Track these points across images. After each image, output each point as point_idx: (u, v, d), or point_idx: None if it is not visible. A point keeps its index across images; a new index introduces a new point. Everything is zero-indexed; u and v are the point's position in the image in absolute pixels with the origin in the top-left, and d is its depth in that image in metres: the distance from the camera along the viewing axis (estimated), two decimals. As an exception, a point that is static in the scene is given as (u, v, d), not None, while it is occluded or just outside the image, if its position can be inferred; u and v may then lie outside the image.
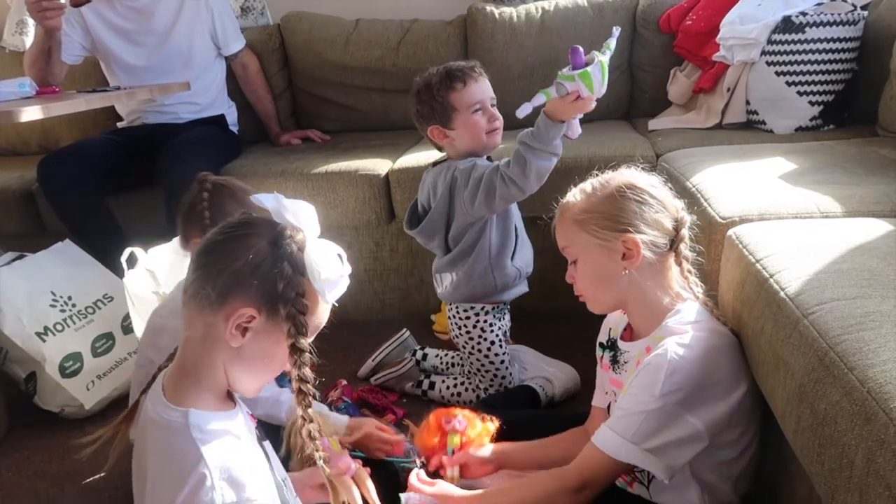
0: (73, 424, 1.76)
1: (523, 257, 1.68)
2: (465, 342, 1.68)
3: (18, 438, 1.74)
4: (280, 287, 0.79)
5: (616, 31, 1.39)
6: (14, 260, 1.86)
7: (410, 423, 1.60)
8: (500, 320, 1.68)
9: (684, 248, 1.08)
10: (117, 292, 1.88)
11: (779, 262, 1.02)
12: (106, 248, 2.02)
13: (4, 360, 1.77)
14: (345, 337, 2.10)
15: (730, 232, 1.22)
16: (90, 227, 2.11)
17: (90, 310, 1.87)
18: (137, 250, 1.62)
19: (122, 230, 2.16)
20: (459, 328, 1.68)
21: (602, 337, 1.22)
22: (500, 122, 1.58)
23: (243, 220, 0.84)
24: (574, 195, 1.13)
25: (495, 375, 1.66)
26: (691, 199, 1.43)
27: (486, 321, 1.65)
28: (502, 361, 1.67)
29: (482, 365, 1.67)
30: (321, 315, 0.85)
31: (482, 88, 1.57)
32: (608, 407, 1.19)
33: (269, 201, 0.82)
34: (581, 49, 1.34)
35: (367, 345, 2.04)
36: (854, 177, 1.45)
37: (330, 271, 0.80)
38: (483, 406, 1.52)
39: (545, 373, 1.69)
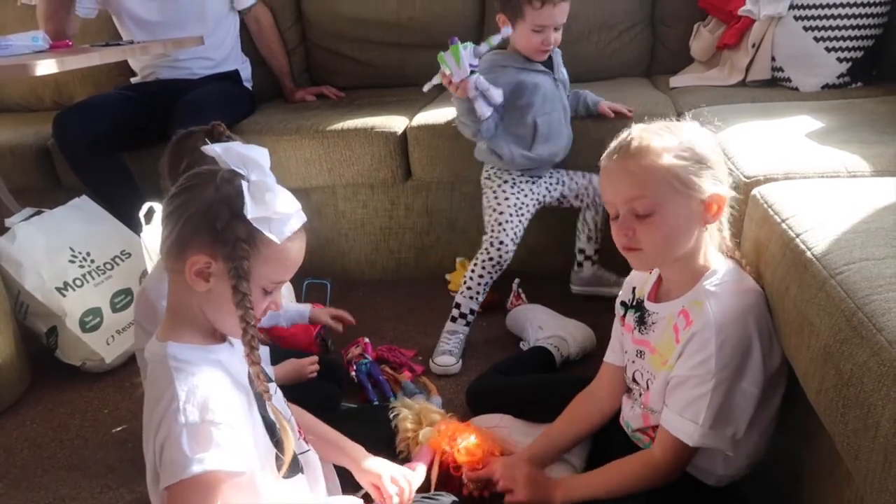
0: (94, 378, 1.80)
1: (548, 149, 1.76)
2: (485, 197, 1.81)
3: (42, 391, 1.77)
4: (219, 230, 0.82)
5: (505, 30, 1.61)
6: (32, 216, 1.86)
7: (427, 381, 1.61)
8: (525, 182, 1.78)
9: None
10: (135, 248, 1.89)
11: (805, 222, 1.00)
12: (122, 203, 2.02)
13: (26, 315, 1.79)
14: (361, 296, 2.11)
15: (754, 191, 1.20)
16: (106, 182, 2.10)
17: (108, 266, 1.88)
18: (156, 205, 1.62)
19: (138, 186, 2.16)
20: (486, 184, 1.81)
21: (624, 296, 1.20)
22: (552, 47, 1.71)
23: (193, 172, 0.87)
24: (650, 139, 0.98)
25: (492, 240, 1.73)
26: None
27: (506, 181, 1.77)
28: (512, 226, 1.74)
29: (487, 224, 1.77)
30: (277, 261, 0.86)
31: (554, 14, 1.64)
32: (633, 375, 1.17)
33: (216, 149, 0.85)
34: (455, 39, 1.55)
35: (384, 303, 2.06)
36: (883, 135, 1.41)
37: (267, 209, 0.82)
38: (494, 377, 1.53)
39: (561, 332, 1.68)
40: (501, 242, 1.73)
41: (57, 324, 1.77)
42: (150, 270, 1.69)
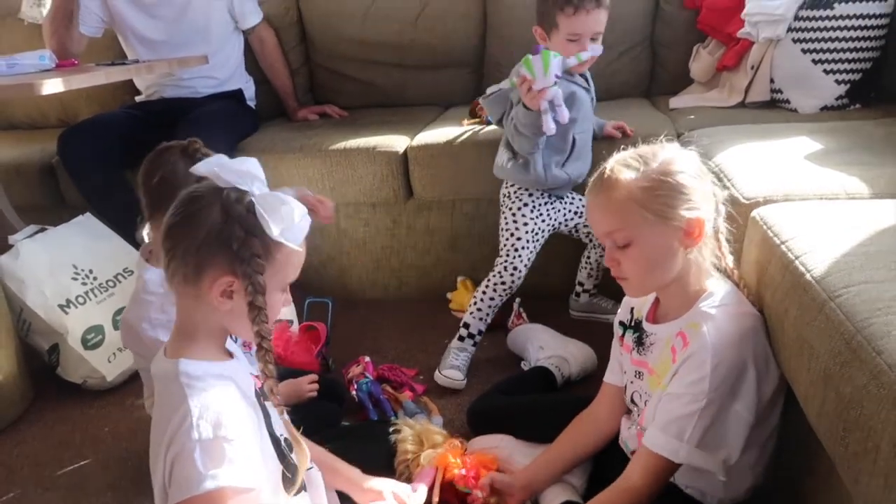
0: (95, 395, 1.79)
1: (577, 168, 1.73)
2: (503, 216, 1.77)
3: (42, 408, 1.77)
4: (235, 248, 0.83)
5: (596, 49, 1.60)
6: (36, 233, 1.87)
7: (428, 401, 1.61)
8: (544, 205, 1.74)
9: (720, 223, 1.06)
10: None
11: (804, 244, 1.01)
12: (125, 221, 2.01)
13: (28, 332, 1.80)
14: (363, 315, 2.11)
15: (754, 213, 1.21)
16: (110, 200, 2.11)
17: (111, 283, 1.89)
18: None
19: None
20: (504, 203, 1.77)
21: (622, 316, 1.21)
22: (587, 60, 1.63)
23: (190, 196, 0.86)
24: (620, 172, 1.01)
25: (506, 264, 1.72)
26: (714, 180, 1.42)
27: (525, 204, 1.73)
28: (528, 252, 1.73)
29: (503, 247, 1.74)
30: (291, 264, 0.89)
31: (588, 22, 1.59)
32: (632, 396, 1.17)
33: (207, 168, 0.86)
34: (541, 46, 1.51)
35: (385, 322, 2.06)
36: (881, 157, 1.42)
37: (281, 220, 0.84)
38: (495, 397, 1.53)
39: (562, 352, 1.68)
40: (515, 268, 1.72)
41: (59, 341, 1.77)
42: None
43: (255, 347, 0.87)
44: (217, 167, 0.86)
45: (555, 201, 1.76)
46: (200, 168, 0.86)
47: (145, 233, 1.35)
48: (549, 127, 1.53)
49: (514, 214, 1.75)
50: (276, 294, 0.89)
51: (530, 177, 1.69)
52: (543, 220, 1.75)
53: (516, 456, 1.33)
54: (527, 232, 1.73)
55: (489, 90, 1.62)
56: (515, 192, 1.75)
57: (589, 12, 1.58)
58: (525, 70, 1.48)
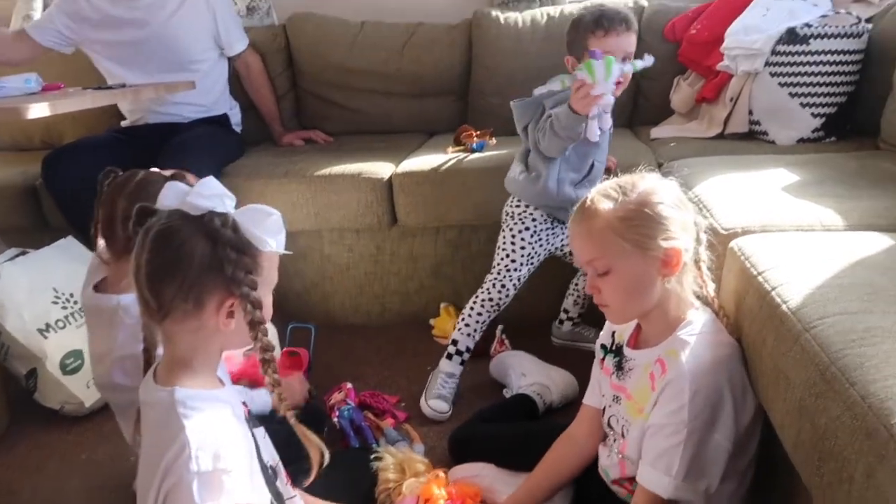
0: (72, 421, 1.77)
1: (586, 194, 1.69)
2: (502, 234, 1.76)
3: (19, 434, 1.74)
4: (230, 272, 0.84)
5: (648, 59, 1.55)
6: (17, 256, 1.86)
7: (409, 428, 1.61)
8: (546, 230, 1.73)
9: (701, 251, 1.08)
10: (119, 290, 1.89)
11: (780, 276, 1.03)
12: (108, 245, 2.02)
13: (6, 357, 1.77)
14: (345, 341, 2.10)
15: (732, 243, 1.23)
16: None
17: (91, 307, 1.87)
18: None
19: (125, 228, 2.15)
20: (506, 221, 1.76)
21: (604, 339, 1.22)
22: (622, 79, 1.58)
23: (163, 233, 0.84)
24: (599, 202, 1.04)
25: (495, 282, 1.73)
26: (696, 209, 1.44)
27: (527, 227, 1.72)
28: (519, 274, 1.73)
29: (496, 265, 1.75)
30: (274, 267, 0.91)
31: (619, 43, 1.59)
32: (609, 420, 1.18)
33: (174, 201, 0.85)
34: (599, 52, 1.46)
35: (368, 348, 2.05)
36: (856, 190, 1.45)
37: (271, 231, 0.86)
38: (476, 424, 1.54)
39: (544, 379, 1.69)
40: (503, 286, 1.72)
41: (37, 366, 1.75)
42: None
43: (259, 361, 0.89)
44: (186, 197, 0.85)
45: (556, 226, 1.75)
46: (168, 203, 0.86)
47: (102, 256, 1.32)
48: (594, 133, 1.52)
49: (513, 236, 1.74)
50: (268, 298, 0.91)
51: (541, 190, 1.66)
52: (542, 246, 1.75)
53: (497, 485, 1.33)
54: (523, 255, 1.73)
55: (536, 91, 1.60)
56: (520, 214, 1.73)
57: (619, 34, 1.59)
58: (585, 74, 1.44)
